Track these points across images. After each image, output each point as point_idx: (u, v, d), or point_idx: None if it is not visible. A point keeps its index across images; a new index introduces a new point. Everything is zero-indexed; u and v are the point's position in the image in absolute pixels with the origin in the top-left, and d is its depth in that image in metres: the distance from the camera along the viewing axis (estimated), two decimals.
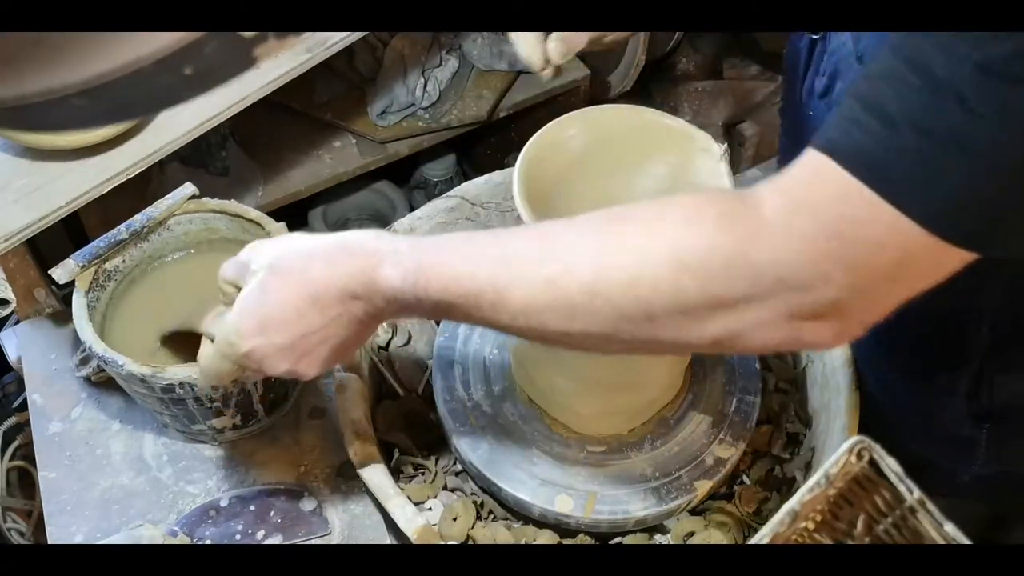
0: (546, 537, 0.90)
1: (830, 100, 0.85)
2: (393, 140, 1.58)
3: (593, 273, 0.60)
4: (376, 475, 0.89)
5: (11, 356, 1.12)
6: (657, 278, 0.58)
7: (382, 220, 1.77)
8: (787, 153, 1.01)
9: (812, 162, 0.56)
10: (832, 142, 0.56)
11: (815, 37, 0.85)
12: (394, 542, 0.96)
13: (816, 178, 0.56)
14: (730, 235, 0.57)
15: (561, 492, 0.89)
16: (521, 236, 0.66)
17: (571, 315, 0.61)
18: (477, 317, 0.65)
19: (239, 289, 0.71)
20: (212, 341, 0.74)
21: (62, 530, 0.97)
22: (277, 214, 1.02)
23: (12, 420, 1.38)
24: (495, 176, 1.11)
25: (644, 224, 0.60)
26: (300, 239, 0.71)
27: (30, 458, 1.27)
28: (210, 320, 0.75)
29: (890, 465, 0.62)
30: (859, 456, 0.63)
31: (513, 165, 0.79)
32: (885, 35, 0.63)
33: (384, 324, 1.03)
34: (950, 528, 0.61)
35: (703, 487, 0.90)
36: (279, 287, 0.68)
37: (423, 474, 0.97)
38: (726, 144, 0.81)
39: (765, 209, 0.57)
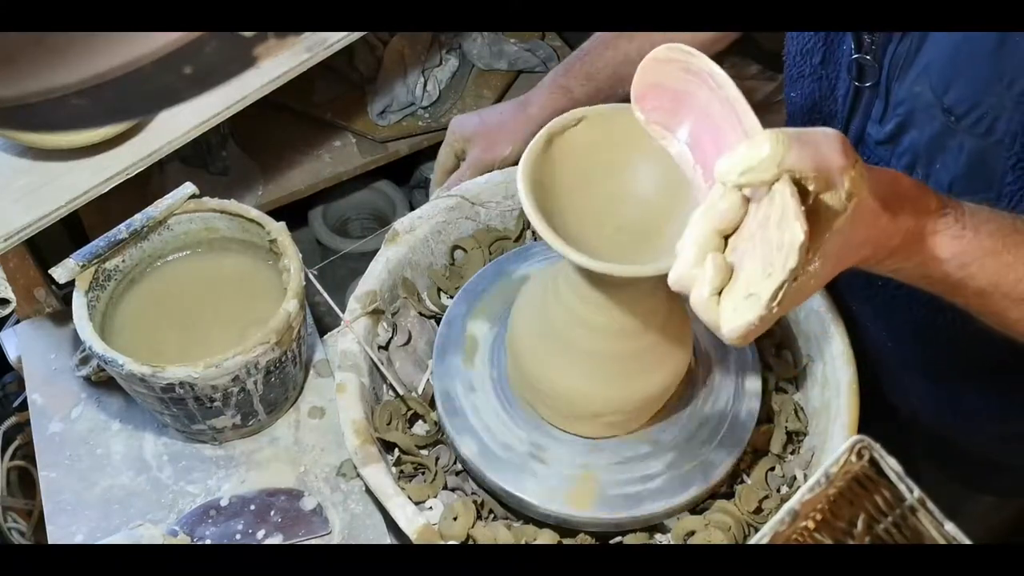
0: (546, 537, 0.90)
1: (897, 148, 0.85)
2: (393, 139, 1.58)
3: None
4: (376, 475, 0.89)
5: (11, 356, 1.12)
6: None
7: (382, 219, 1.77)
8: None
9: None
10: None
11: (859, 84, 0.84)
12: (394, 542, 0.96)
13: None
14: None
15: (561, 491, 0.89)
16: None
17: None
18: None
19: None
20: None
21: (62, 530, 0.97)
22: (277, 213, 1.02)
23: (12, 420, 1.37)
24: (495, 176, 1.11)
25: None
26: None
27: (30, 458, 1.27)
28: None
29: (890, 464, 0.62)
30: (859, 455, 0.63)
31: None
32: (980, 89, 0.67)
33: (384, 324, 1.03)
34: (950, 528, 0.61)
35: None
36: None
37: (423, 474, 0.97)
38: None
39: None
